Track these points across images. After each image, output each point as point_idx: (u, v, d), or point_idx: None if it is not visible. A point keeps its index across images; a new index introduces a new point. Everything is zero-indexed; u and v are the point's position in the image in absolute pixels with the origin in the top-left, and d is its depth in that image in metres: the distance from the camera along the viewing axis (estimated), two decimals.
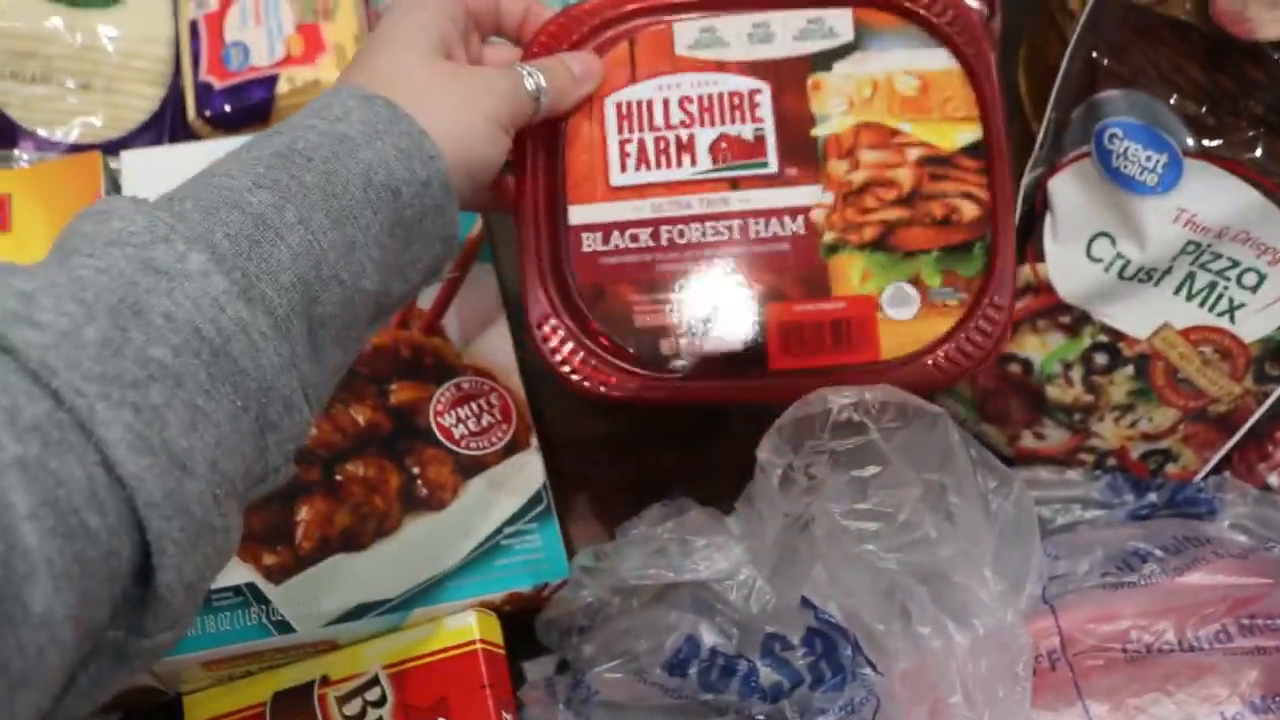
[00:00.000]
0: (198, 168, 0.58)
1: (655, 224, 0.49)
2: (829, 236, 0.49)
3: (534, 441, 0.54)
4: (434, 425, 0.53)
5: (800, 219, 0.49)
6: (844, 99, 0.50)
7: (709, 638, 0.46)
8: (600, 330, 0.48)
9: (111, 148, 0.62)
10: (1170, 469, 0.57)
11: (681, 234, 0.49)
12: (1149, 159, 0.53)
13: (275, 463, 0.35)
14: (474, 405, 0.54)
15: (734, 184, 0.49)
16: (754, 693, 0.43)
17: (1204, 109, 0.53)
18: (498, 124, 0.44)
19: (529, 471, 0.53)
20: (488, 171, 0.44)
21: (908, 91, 0.50)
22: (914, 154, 0.50)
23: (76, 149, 0.62)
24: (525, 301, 0.48)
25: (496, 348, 0.56)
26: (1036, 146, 0.56)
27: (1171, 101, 0.53)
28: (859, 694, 0.42)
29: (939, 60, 0.51)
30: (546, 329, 0.48)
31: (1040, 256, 0.56)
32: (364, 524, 0.51)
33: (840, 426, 0.44)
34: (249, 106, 0.63)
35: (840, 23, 0.51)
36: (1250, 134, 0.52)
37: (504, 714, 0.48)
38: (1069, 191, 0.55)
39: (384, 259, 0.39)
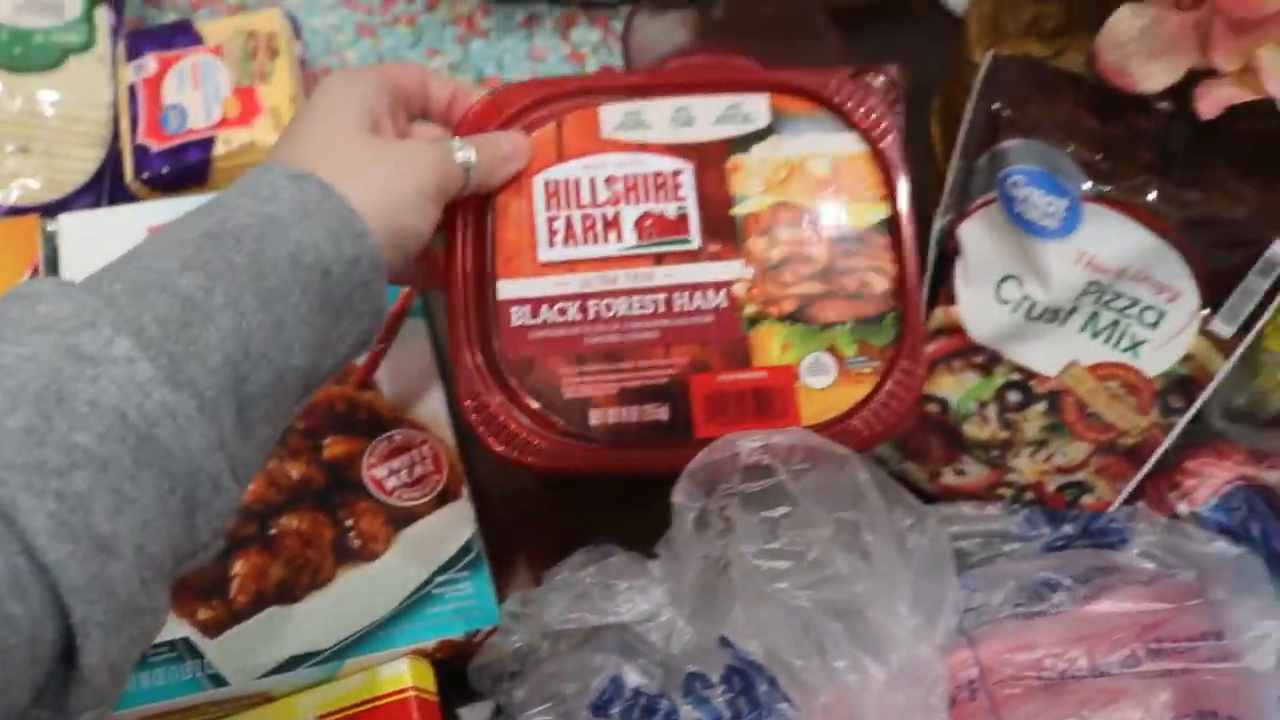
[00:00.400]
0: (134, 229, 0.59)
1: (583, 298, 0.51)
2: (750, 309, 0.51)
3: (465, 491, 0.55)
4: (367, 478, 0.55)
5: (723, 293, 0.51)
6: (761, 180, 0.53)
7: (633, 678, 0.47)
8: (530, 402, 0.49)
9: (50, 210, 0.63)
10: (1086, 500, 0.59)
11: (609, 307, 0.51)
12: (1049, 204, 0.55)
13: (204, 540, 0.36)
14: (406, 457, 0.55)
15: (658, 259, 0.51)
16: None
17: (1099, 156, 0.55)
18: (426, 195, 0.45)
19: (460, 521, 0.54)
20: (416, 242, 0.45)
21: (820, 173, 0.53)
22: (827, 232, 0.52)
23: (15, 211, 0.63)
24: (455, 374, 0.49)
25: (429, 400, 0.58)
26: (945, 193, 0.59)
27: (1069, 150, 0.55)
28: None
29: (849, 144, 0.54)
30: (477, 401, 0.49)
31: (953, 299, 0.58)
32: (298, 576, 0.52)
33: (750, 470, 0.45)
34: (186, 168, 0.64)
35: (757, 108, 0.54)
36: (1142, 179, 0.54)
37: None
38: (977, 236, 0.58)
39: (312, 336, 0.39)
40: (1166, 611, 0.52)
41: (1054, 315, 0.56)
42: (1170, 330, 0.56)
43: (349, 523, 0.53)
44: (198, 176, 0.64)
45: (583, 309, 0.50)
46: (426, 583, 0.52)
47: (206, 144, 0.64)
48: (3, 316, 0.34)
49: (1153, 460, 0.58)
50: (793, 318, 0.51)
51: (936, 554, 0.51)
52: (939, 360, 0.58)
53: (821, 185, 0.53)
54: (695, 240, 0.52)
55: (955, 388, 0.58)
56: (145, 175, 0.64)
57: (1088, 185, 0.55)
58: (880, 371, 0.51)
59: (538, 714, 0.48)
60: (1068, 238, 0.55)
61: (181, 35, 0.67)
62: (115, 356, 0.33)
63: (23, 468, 0.30)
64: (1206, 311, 0.55)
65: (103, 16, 0.68)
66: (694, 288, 0.51)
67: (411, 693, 0.49)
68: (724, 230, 0.52)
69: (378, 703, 0.49)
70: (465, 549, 0.53)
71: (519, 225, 0.51)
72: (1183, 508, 0.59)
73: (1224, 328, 0.56)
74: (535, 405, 0.49)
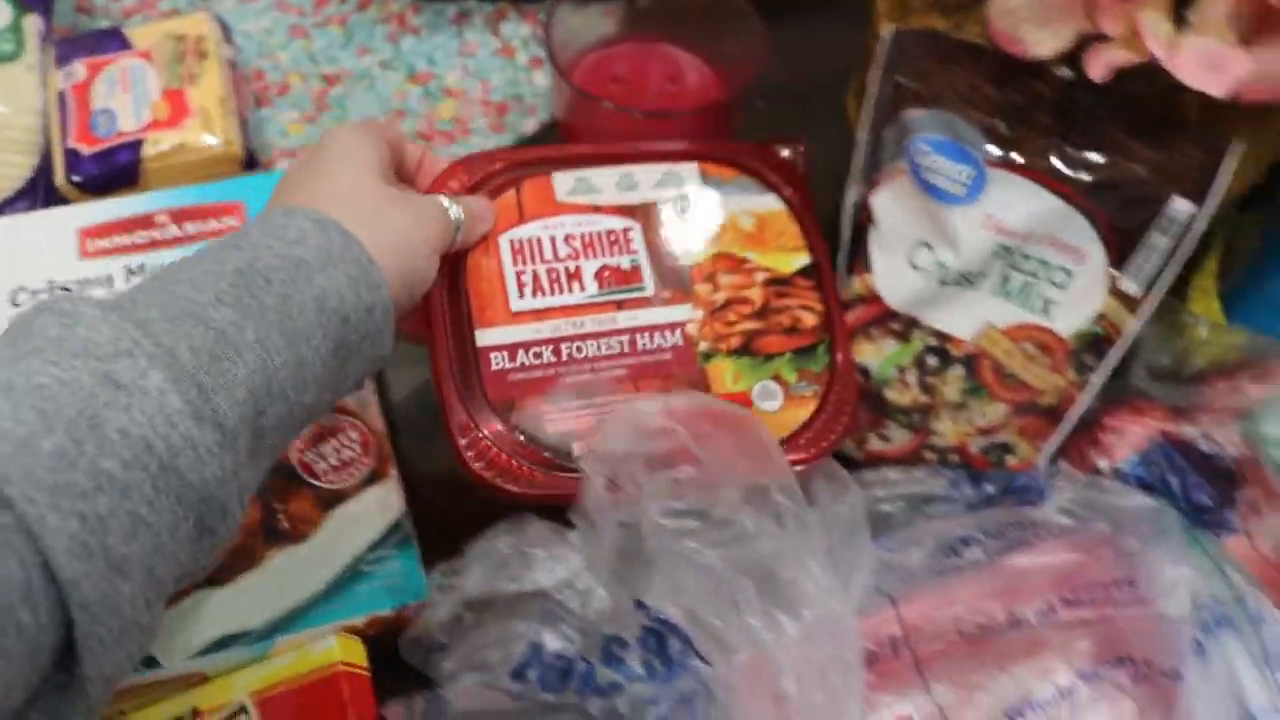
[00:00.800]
0: (66, 232, 0.61)
1: (555, 342, 0.55)
2: (703, 346, 0.56)
3: (393, 472, 0.56)
4: (295, 463, 0.56)
5: (678, 332, 0.56)
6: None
7: (553, 644, 0.48)
8: (516, 438, 0.52)
9: None
10: (1009, 460, 0.60)
11: (579, 349, 0.55)
12: (956, 171, 0.57)
13: (204, 562, 0.38)
14: (335, 442, 0.56)
15: (619, 305, 0.56)
16: (591, 691, 0.46)
17: (1001, 123, 0.56)
18: (433, 246, 0.49)
19: (389, 501, 0.55)
20: (423, 289, 0.48)
21: (748, 228, 0.60)
22: (760, 277, 0.59)
23: None
24: (445, 417, 0.52)
25: None
26: (856, 166, 0.60)
27: (972, 117, 0.57)
28: (689, 685, 0.45)
29: (769, 203, 0.61)
30: (468, 440, 0.52)
31: (869, 268, 0.60)
32: (229, 559, 0.52)
33: (654, 433, 0.46)
34: (117, 170, 0.65)
35: (689, 174, 0.60)
36: (1043, 143, 0.56)
37: None
38: (888, 205, 0.59)
39: (325, 376, 0.42)
40: (1080, 561, 0.54)
41: (966, 279, 0.58)
42: (1080, 290, 0.57)
43: (278, 506, 0.54)
44: (128, 178, 0.65)
45: (556, 352, 0.54)
46: (356, 561, 0.53)
47: (136, 146, 0.65)
48: (42, 333, 0.35)
49: (1072, 419, 0.59)
50: (740, 352, 0.57)
51: (854, 516, 0.52)
52: (858, 329, 0.60)
53: (750, 238, 0.60)
54: (650, 288, 0.57)
55: (875, 354, 0.60)
56: (75, 178, 0.65)
57: (993, 151, 0.56)
58: (819, 394, 0.57)
59: (465, 683, 0.49)
60: (974, 203, 0.56)
61: (110, 41, 0.69)
62: (148, 388, 0.35)
63: (52, 489, 0.32)
64: (1115, 271, 0.57)
65: (31, 25, 0.69)
66: (653, 329, 0.56)
67: (341, 668, 0.50)
68: (674, 278, 0.58)
69: (308, 678, 0.50)
70: (394, 528, 0.54)
71: (490, 280, 0.55)
72: (1104, 464, 0.60)
73: (1132, 286, 0.57)
74: (521, 440, 0.52)
